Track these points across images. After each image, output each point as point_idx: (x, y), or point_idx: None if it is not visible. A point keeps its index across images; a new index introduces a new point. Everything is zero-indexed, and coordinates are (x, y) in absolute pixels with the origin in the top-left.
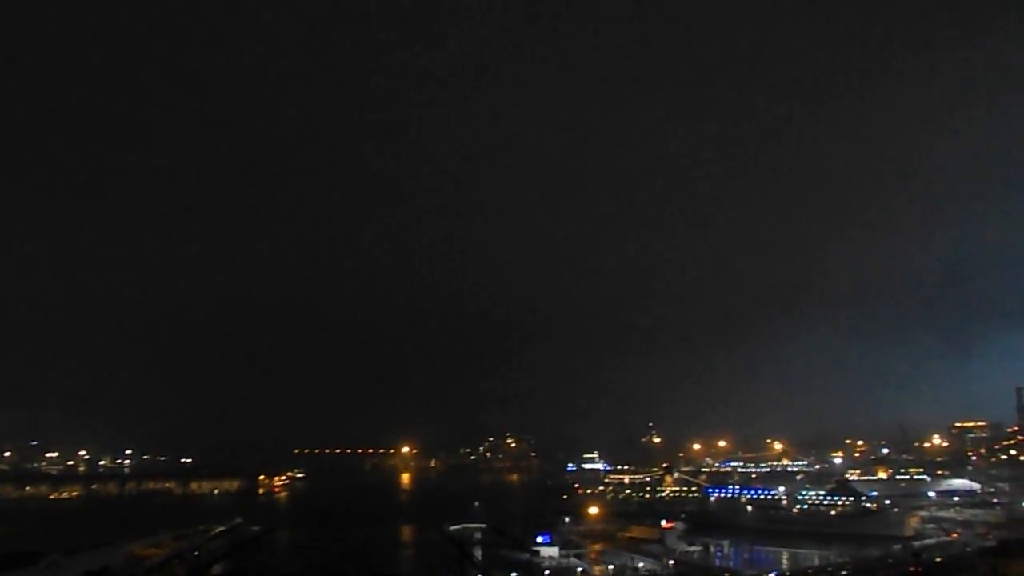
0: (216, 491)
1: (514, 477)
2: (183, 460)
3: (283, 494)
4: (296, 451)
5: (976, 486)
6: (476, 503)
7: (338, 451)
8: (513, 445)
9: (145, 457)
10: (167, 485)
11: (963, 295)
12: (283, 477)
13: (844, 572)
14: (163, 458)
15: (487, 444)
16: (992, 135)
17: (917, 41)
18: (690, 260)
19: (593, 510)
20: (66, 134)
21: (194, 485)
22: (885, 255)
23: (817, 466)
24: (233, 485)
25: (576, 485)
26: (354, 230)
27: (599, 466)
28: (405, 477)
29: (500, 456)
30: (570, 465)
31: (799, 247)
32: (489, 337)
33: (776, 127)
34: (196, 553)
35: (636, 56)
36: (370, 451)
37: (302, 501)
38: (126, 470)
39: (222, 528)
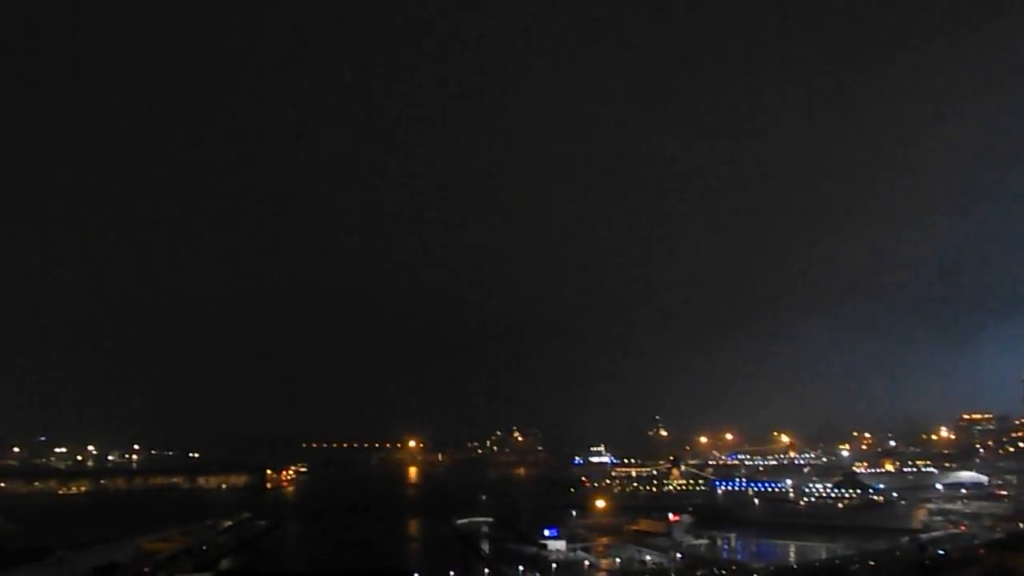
0: (224, 486)
1: (521, 471)
2: (191, 455)
3: (291, 489)
4: (303, 445)
5: (983, 478)
6: (483, 497)
7: (345, 445)
8: (520, 439)
9: (153, 452)
10: (175, 480)
11: (959, 286)
12: (290, 472)
13: (853, 565)
14: (171, 453)
15: (494, 438)
16: (987, 124)
17: (905, 30)
18: (696, 254)
19: (600, 503)
20: (65, 132)
21: (202, 480)
22: (881, 247)
23: (824, 459)
24: (241, 480)
25: (583, 479)
26: (363, 225)
27: (606, 459)
28: (412, 471)
29: (507, 450)
30: (577, 459)
31: (798, 241)
32: (497, 331)
33: (775, 123)
34: (204, 548)
35: (622, 48)
36: (377, 445)
37: (310, 496)
38: (134, 465)
39: (230, 523)
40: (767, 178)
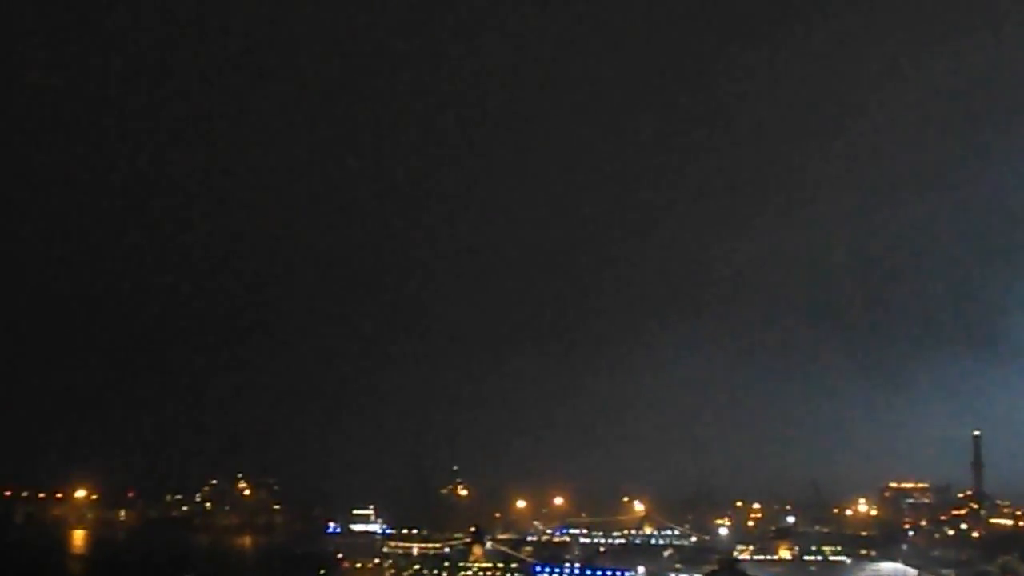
0: None
1: (247, 540)
2: None
3: None
4: None
5: (912, 572)
6: None
7: None
8: (247, 492)
9: None
10: None
11: (878, 302)
12: None
13: None
14: None
15: (208, 490)
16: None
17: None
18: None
19: None
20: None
21: None
22: (772, 252)
23: (694, 538)
24: None
25: (340, 556)
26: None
27: (375, 528)
28: (77, 535)
29: (227, 508)
30: (333, 525)
31: (676, 242)
32: (218, 340)
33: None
34: None
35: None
36: (25, 494)
37: None
38: None
39: None
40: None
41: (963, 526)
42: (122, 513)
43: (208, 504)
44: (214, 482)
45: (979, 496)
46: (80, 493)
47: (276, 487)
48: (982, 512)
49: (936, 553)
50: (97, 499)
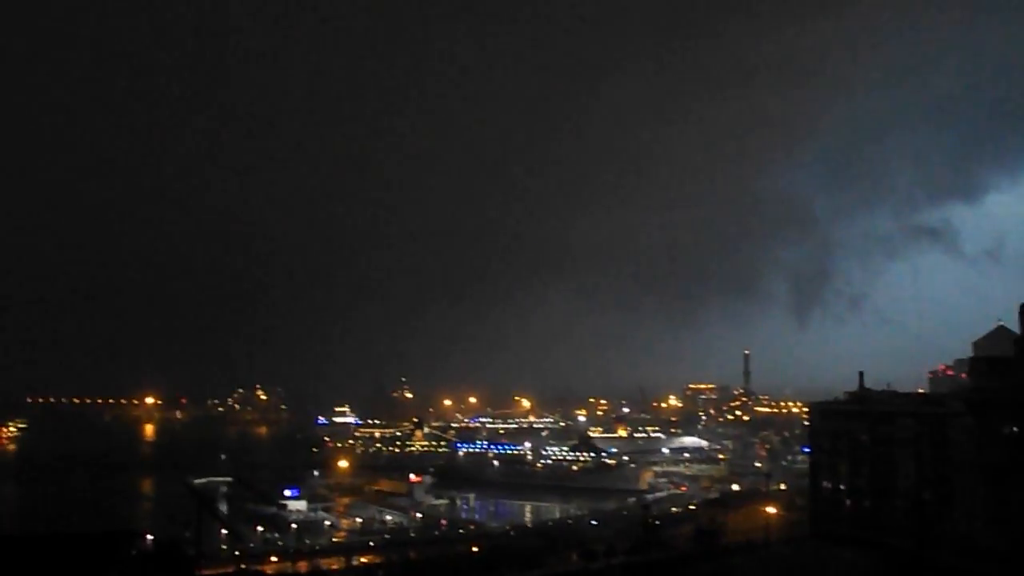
0: None
1: (263, 430)
2: None
3: (11, 447)
4: (28, 400)
5: (704, 443)
6: (223, 456)
7: (76, 400)
8: (263, 397)
9: None
10: None
11: (687, 267)
12: (11, 428)
13: (584, 524)
14: None
15: (236, 396)
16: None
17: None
18: (451, 219)
19: (343, 464)
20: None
21: None
22: (618, 229)
23: (562, 423)
24: None
25: (326, 439)
26: (102, 178)
27: (350, 420)
28: (148, 428)
29: (249, 408)
30: (321, 418)
31: (547, 219)
32: (240, 288)
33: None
34: None
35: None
36: (111, 401)
37: (33, 453)
38: None
39: None
40: (532, 169)
41: (738, 413)
42: (177, 413)
43: (236, 406)
44: (240, 390)
45: (748, 393)
46: (148, 399)
47: (282, 393)
48: (750, 403)
49: (720, 430)
50: (160, 403)
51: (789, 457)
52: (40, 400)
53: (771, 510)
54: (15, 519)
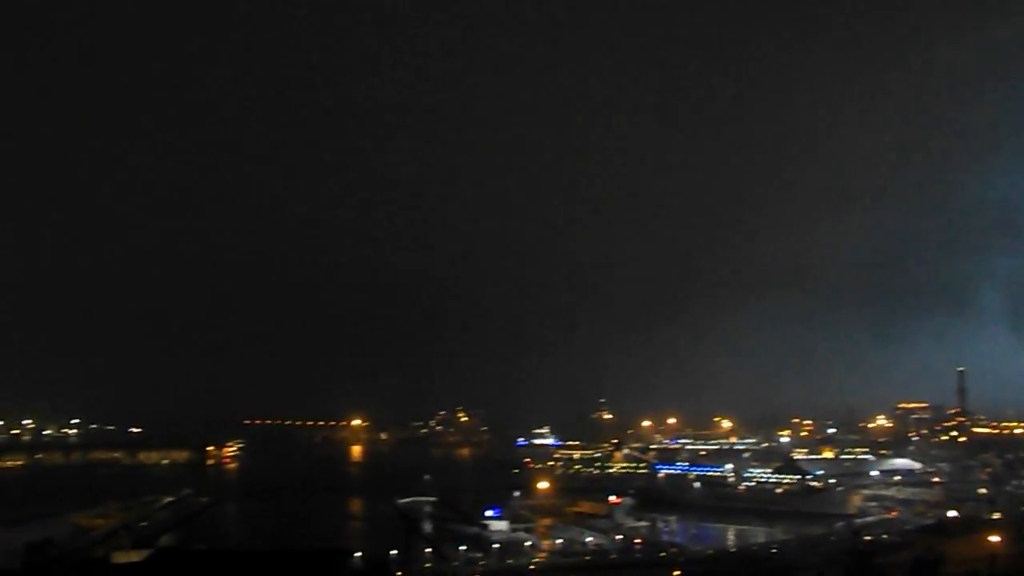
0: (165, 462)
1: (465, 451)
2: (132, 430)
3: (232, 465)
4: (246, 422)
5: (917, 465)
6: (426, 477)
7: (288, 423)
8: (464, 419)
9: (92, 427)
10: (115, 455)
11: (891, 280)
12: (232, 448)
13: (790, 549)
14: (111, 428)
15: (438, 418)
16: (910, 123)
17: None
18: (642, 243)
19: (543, 485)
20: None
21: (142, 455)
22: (814, 243)
23: (764, 444)
24: (182, 456)
25: (526, 460)
26: (308, 201)
27: (549, 441)
28: (356, 450)
29: (451, 430)
30: (520, 440)
31: (731, 235)
32: (443, 312)
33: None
34: (143, 524)
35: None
36: (321, 423)
37: (251, 473)
38: (72, 439)
39: (170, 499)
40: (714, 184)
41: (953, 434)
42: (383, 435)
43: (439, 428)
44: (442, 413)
45: (963, 413)
46: (356, 422)
47: (483, 415)
48: (966, 424)
49: (933, 452)
50: (367, 426)
51: (1015, 482)
52: (256, 422)
53: (995, 539)
54: (239, 535)
